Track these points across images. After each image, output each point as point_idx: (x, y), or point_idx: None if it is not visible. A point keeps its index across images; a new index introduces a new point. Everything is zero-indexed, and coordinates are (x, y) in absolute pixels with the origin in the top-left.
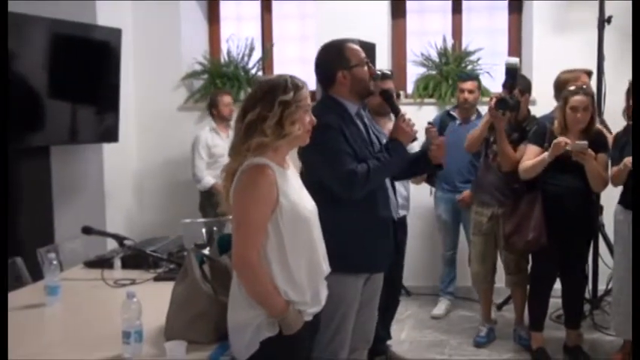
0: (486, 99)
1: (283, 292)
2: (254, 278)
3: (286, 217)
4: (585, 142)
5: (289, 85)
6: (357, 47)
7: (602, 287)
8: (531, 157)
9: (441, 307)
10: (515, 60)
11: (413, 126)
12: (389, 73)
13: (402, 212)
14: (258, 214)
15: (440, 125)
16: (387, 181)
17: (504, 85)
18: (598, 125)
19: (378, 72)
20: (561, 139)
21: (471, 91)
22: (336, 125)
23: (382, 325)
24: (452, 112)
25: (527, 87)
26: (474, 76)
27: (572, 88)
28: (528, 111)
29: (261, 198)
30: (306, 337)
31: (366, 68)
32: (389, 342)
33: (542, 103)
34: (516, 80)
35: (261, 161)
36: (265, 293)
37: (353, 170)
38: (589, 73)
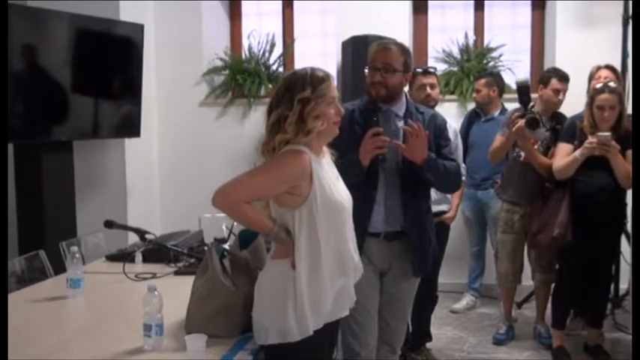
0: (509, 95)
1: (305, 290)
2: (238, 214)
3: (320, 203)
4: (609, 134)
5: (307, 81)
6: (375, 48)
7: (623, 287)
8: (563, 156)
9: (462, 302)
10: (524, 78)
11: (380, 147)
12: (431, 69)
13: (438, 208)
14: (269, 180)
15: (467, 122)
16: (385, 190)
17: (520, 102)
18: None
19: (419, 69)
20: (593, 141)
21: (477, 91)
22: None
23: (419, 325)
24: (477, 109)
25: (547, 78)
26: (482, 75)
27: (598, 86)
28: (554, 114)
29: (283, 173)
30: (325, 343)
31: (369, 72)
32: (428, 344)
33: (566, 99)
34: (529, 96)
35: (298, 147)
36: (251, 223)
37: None
38: (610, 68)
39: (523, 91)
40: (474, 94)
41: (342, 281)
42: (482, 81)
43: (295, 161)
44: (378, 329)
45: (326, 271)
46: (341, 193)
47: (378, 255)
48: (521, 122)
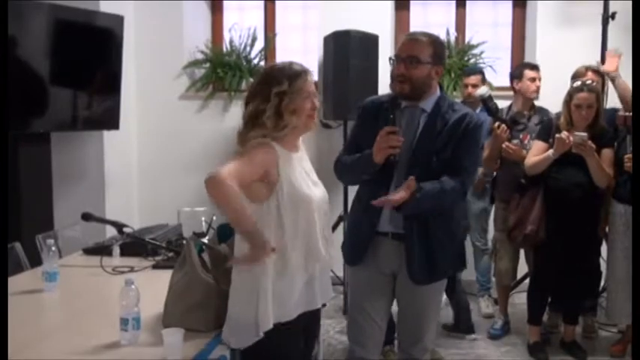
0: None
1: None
2: (228, 194)
3: (287, 195)
4: (585, 134)
5: (285, 75)
6: (402, 38)
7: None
8: (537, 153)
9: None
10: (482, 90)
11: (393, 146)
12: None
13: None
14: (249, 165)
15: None
16: (395, 189)
17: (489, 113)
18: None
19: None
20: (564, 134)
21: (474, 86)
22: (360, 113)
23: None
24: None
25: (519, 72)
26: (478, 70)
27: (576, 84)
28: (533, 106)
29: (255, 161)
30: (295, 336)
31: (393, 64)
32: None
33: (546, 96)
34: (494, 104)
35: (263, 140)
36: (237, 208)
37: (338, 159)
38: (596, 72)
39: (487, 101)
40: (469, 89)
41: (310, 275)
42: (479, 77)
43: (260, 150)
44: (403, 331)
45: (293, 264)
46: (310, 186)
47: (386, 256)
48: (504, 129)
